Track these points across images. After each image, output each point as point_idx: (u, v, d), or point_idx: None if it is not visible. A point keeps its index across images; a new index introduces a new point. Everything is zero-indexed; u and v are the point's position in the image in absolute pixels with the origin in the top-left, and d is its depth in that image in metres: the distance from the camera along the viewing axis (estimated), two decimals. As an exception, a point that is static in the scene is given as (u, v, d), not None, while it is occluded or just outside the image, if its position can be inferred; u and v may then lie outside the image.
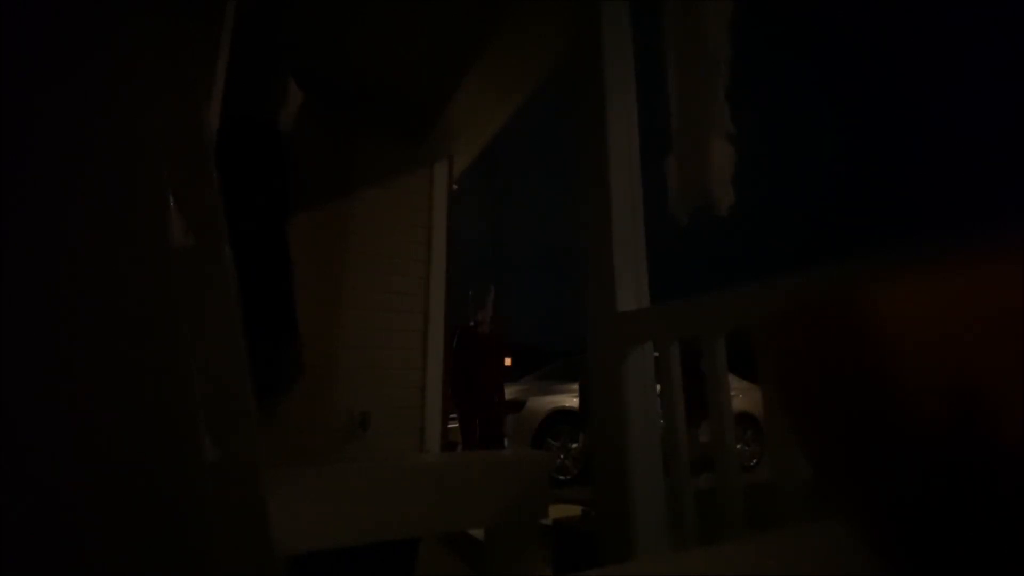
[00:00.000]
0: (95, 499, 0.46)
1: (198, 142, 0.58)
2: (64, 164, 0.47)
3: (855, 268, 0.93)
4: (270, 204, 1.91)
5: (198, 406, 0.50)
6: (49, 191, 0.46)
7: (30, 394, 0.45)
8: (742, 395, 5.60)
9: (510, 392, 5.38)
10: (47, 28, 0.46)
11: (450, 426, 4.15)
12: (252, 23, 1.77)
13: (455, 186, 3.44)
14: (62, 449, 0.45)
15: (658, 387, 1.54)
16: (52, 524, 0.45)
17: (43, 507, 0.44)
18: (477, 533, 2.04)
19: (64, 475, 0.45)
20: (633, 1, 1.74)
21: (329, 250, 2.96)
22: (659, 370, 1.51)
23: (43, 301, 0.45)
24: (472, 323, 4.73)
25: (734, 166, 1.34)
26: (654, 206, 1.63)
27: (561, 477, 5.48)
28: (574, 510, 2.39)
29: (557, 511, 2.30)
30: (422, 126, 2.98)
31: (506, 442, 5.13)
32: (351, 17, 2.32)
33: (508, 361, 5.20)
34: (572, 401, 5.81)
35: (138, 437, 0.48)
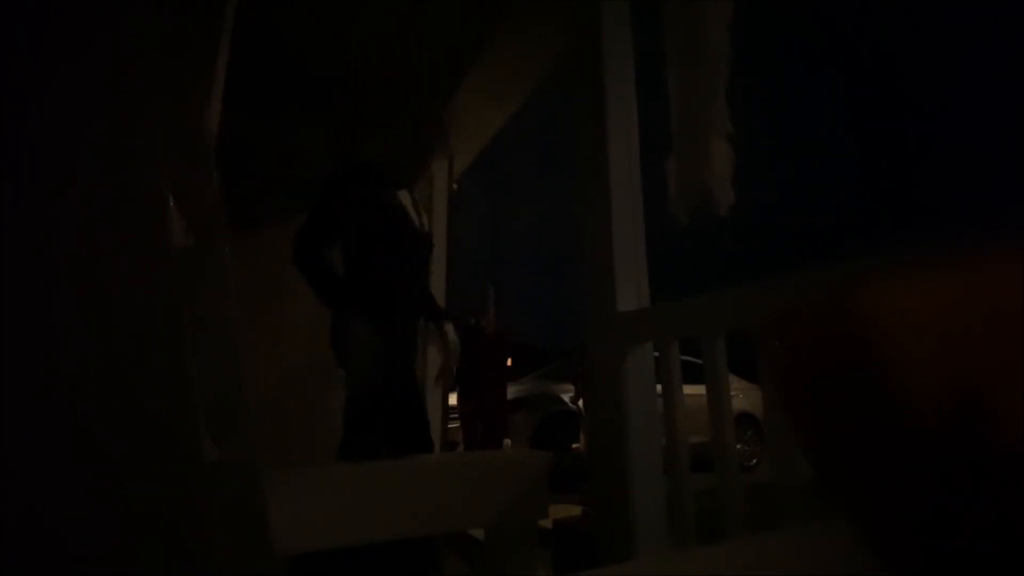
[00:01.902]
0: (95, 499, 0.46)
1: (198, 142, 0.58)
2: (62, 164, 0.47)
3: (855, 268, 0.93)
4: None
5: (198, 406, 0.50)
6: (46, 191, 0.46)
7: (30, 395, 0.45)
8: (742, 395, 5.60)
9: (510, 392, 5.37)
10: (46, 26, 0.46)
11: (450, 426, 4.15)
12: (252, 23, 1.77)
13: (455, 186, 3.44)
14: (62, 449, 0.45)
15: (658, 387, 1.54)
16: (53, 524, 0.45)
17: (44, 507, 0.44)
18: (477, 533, 2.04)
19: (64, 475, 0.45)
20: (633, 1, 1.74)
21: (329, 250, 2.95)
22: (659, 370, 1.51)
23: (41, 302, 0.45)
24: (474, 322, 4.73)
25: (734, 166, 1.34)
26: (654, 206, 1.63)
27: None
28: (574, 510, 2.39)
29: (557, 511, 2.30)
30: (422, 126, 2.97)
31: (508, 442, 5.13)
32: (350, 17, 2.32)
33: (509, 361, 5.19)
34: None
35: (138, 437, 0.48)
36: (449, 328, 2.13)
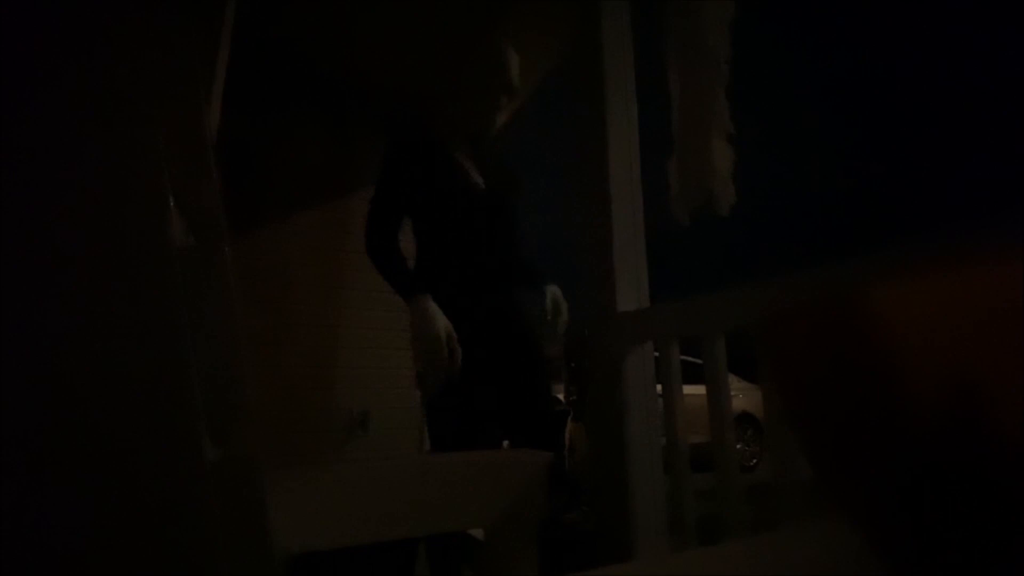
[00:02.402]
0: (95, 499, 0.46)
1: (198, 141, 0.58)
2: (61, 163, 0.47)
3: (855, 268, 0.93)
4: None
5: (198, 406, 0.50)
6: (46, 190, 0.46)
7: (29, 395, 0.45)
8: (742, 395, 5.60)
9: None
10: (44, 23, 0.46)
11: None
12: (253, 22, 1.77)
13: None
14: (61, 449, 0.45)
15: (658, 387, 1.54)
16: (51, 523, 0.45)
17: (42, 507, 0.44)
18: (477, 533, 2.04)
19: (63, 475, 0.45)
20: (633, 1, 1.74)
21: (329, 249, 2.96)
22: (659, 370, 1.51)
23: (41, 301, 0.45)
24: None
25: (734, 166, 1.34)
26: (654, 206, 1.63)
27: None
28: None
29: (557, 511, 2.29)
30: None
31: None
32: (351, 17, 2.32)
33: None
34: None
35: (138, 437, 0.48)
36: (553, 291, 1.81)
